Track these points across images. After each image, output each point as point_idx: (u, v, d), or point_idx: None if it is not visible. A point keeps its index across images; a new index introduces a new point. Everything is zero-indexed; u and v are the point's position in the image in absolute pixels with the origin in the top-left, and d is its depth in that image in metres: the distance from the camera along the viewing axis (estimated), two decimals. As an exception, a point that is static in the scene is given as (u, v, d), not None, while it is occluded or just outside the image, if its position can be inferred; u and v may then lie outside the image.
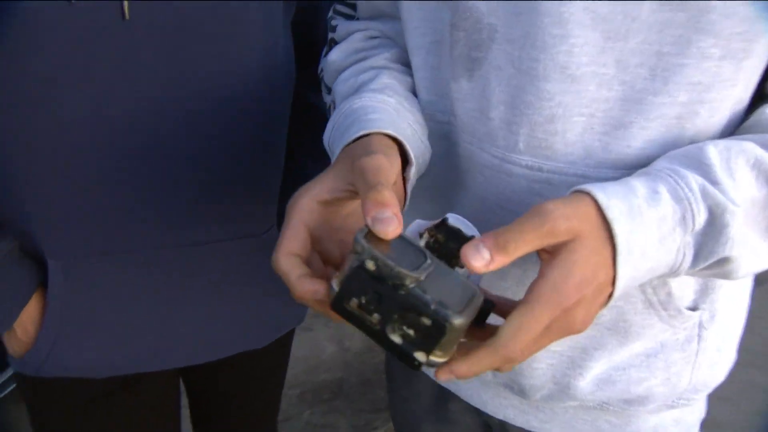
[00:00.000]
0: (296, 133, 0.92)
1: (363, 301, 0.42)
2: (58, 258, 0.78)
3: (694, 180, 0.48)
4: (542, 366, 0.63)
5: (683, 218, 0.47)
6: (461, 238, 0.51)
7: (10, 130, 0.72)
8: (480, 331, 0.47)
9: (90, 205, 0.76)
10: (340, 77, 0.70)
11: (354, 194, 0.50)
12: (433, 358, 0.43)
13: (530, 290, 0.44)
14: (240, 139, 0.80)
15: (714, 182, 0.48)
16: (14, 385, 1.35)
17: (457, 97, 0.60)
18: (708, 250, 0.49)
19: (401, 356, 0.43)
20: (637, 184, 0.48)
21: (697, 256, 0.49)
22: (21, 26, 0.66)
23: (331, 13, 0.78)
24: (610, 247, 0.45)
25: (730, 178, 0.48)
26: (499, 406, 0.71)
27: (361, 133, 0.54)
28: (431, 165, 0.64)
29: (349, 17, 0.76)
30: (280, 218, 0.91)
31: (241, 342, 0.91)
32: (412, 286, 0.41)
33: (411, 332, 0.42)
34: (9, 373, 1.58)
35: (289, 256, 0.48)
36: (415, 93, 0.66)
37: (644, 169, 0.51)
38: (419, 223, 0.53)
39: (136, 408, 0.91)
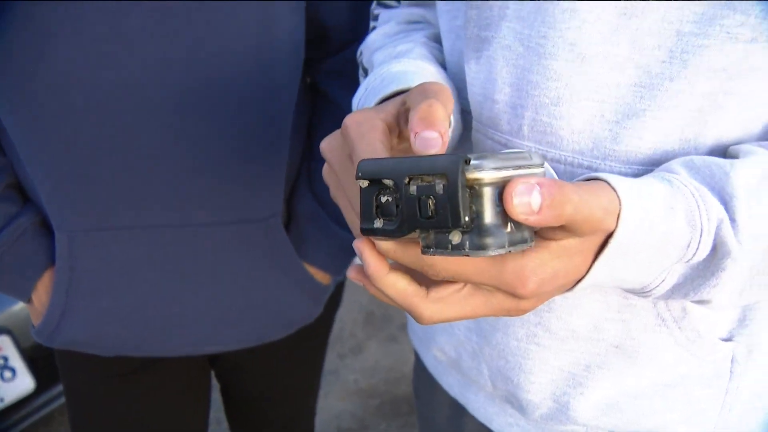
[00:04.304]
0: (313, 124, 0.91)
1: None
2: (62, 231, 0.80)
3: (716, 212, 0.41)
4: (541, 381, 0.57)
5: (687, 246, 0.40)
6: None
7: (17, 103, 0.74)
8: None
9: (91, 179, 0.77)
10: (378, 50, 0.68)
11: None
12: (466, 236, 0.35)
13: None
14: (239, 119, 0.79)
15: (732, 219, 0.41)
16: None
17: (468, 81, 0.56)
18: (691, 286, 0.43)
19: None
20: (658, 190, 0.41)
21: (677, 287, 0.43)
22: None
23: (374, 4, 0.77)
24: (602, 242, 0.39)
25: (750, 217, 0.41)
26: (505, 424, 0.64)
27: (403, 87, 0.51)
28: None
29: (391, 7, 0.74)
30: (288, 213, 0.90)
31: (251, 334, 0.90)
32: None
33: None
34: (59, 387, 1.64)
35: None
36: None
37: (666, 174, 0.43)
38: None
39: (160, 391, 0.92)
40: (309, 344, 1.01)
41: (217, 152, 0.79)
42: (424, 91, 0.42)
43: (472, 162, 0.34)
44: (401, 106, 0.44)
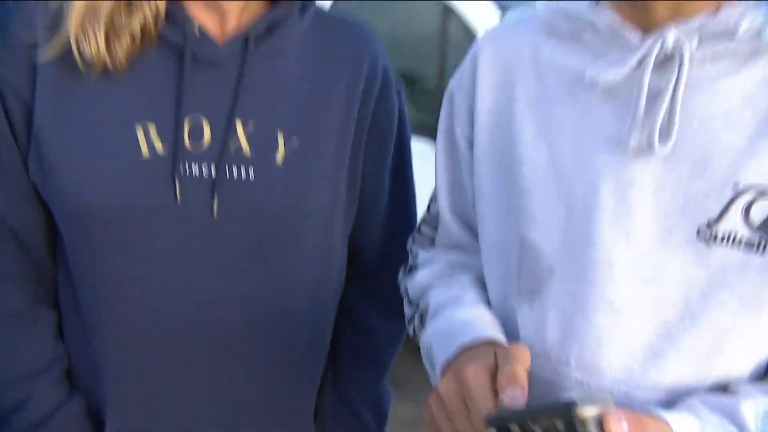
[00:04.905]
0: (339, 340, 1.00)
1: None
2: (113, 426, 0.85)
3: None
4: None
5: None
6: None
7: (97, 308, 0.82)
8: None
9: (142, 387, 0.85)
10: (432, 290, 0.83)
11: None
12: None
13: None
14: (286, 340, 0.89)
15: None
16: None
17: (520, 321, 0.72)
18: None
19: None
20: (692, 419, 0.58)
21: None
22: (126, 225, 0.78)
23: (410, 240, 0.92)
24: None
25: None
26: None
27: (476, 337, 0.69)
28: None
29: (427, 247, 0.90)
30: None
31: None
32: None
33: None
34: None
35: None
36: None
37: (691, 405, 0.61)
38: None
39: None
40: None
41: (262, 369, 0.89)
42: (510, 353, 0.61)
43: (578, 404, 0.51)
44: (495, 359, 0.62)
